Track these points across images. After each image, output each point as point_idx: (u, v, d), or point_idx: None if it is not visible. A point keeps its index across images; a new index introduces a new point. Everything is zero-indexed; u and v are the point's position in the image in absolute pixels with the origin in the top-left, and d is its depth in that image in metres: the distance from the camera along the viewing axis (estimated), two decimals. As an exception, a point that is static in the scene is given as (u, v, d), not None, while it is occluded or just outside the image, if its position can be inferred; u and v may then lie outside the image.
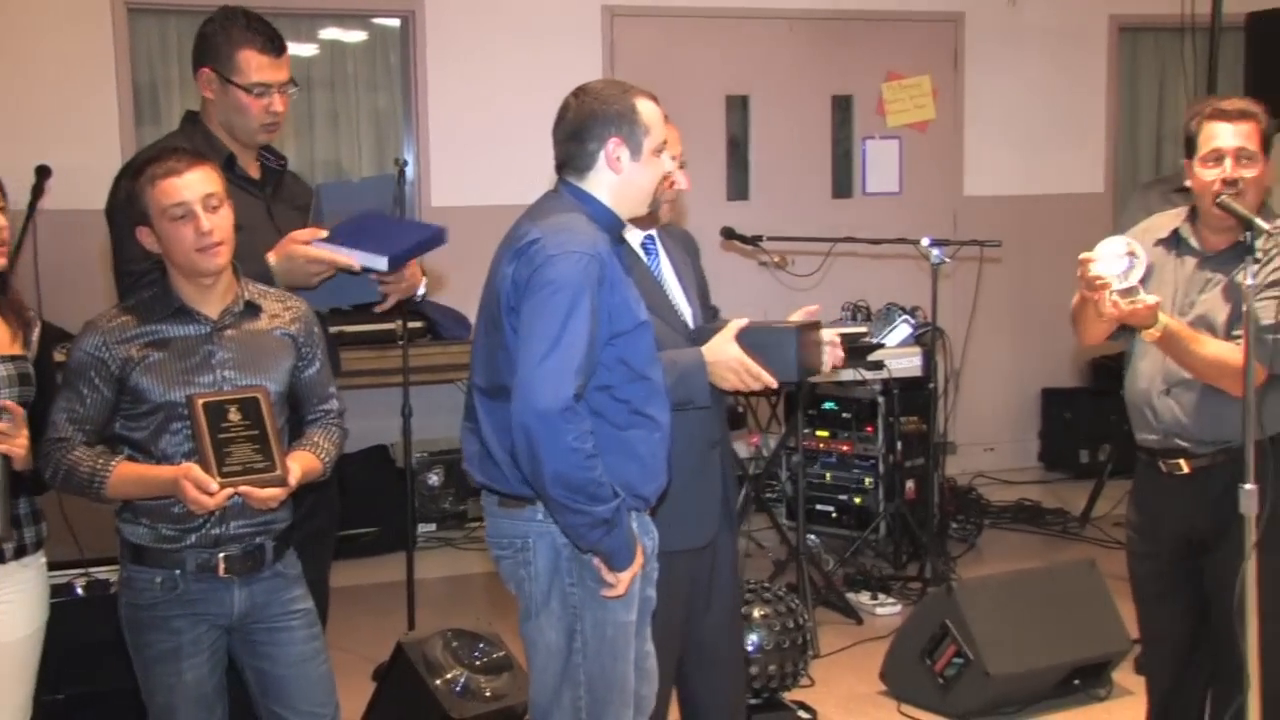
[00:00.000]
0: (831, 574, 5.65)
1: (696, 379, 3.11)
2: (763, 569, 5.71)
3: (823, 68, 7.37)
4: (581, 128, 2.85)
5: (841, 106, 7.49)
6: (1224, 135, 3.31)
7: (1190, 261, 3.40)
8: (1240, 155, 3.29)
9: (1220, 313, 3.32)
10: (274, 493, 2.87)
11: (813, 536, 5.93)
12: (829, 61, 7.37)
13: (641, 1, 7.06)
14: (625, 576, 2.79)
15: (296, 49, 6.83)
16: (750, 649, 4.24)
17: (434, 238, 3.42)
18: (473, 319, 6.19)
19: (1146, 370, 3.43)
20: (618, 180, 2.87)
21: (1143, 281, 3.24)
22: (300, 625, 3.05)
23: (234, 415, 2.84)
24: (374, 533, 6.23)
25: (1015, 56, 7.63)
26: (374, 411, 5.81)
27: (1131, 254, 3.22)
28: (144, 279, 3.06)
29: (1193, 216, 3.43)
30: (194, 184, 2.86)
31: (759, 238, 5.64)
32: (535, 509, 2.81)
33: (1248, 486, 3.18)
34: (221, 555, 2.91)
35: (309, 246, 3.24)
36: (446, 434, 6.84)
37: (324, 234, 3.28)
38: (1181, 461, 3.39)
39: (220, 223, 2.88)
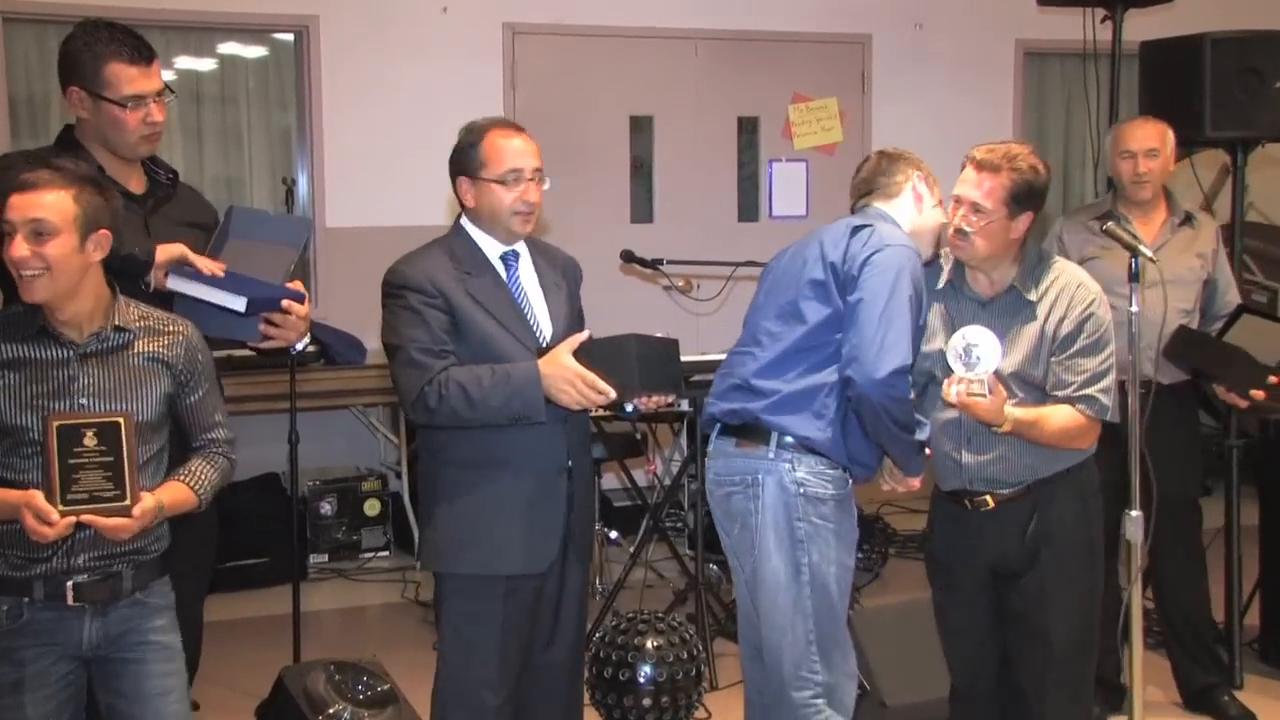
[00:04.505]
0: (732, 604, 5.55)
1: (531, 393, 3.04)
2: (663, 599, 5.60)
3: (728, 89, 7.33)
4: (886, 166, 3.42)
5: (747, 128, 7.45)
6: (966, 184, 3.33)
7: (969, 307, 3.41)
8: (972, 208, 3.30)
9: (1007, 367, 3.28)
10: (121, 523, 2.75)
11: (714, 566, 5.83)
12: (735, 82, 7.33)
13: (544, 19, 6.97)
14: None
15: (192, 63, 6.68)
16: (642, 681, 4.17)
17: (294, 296, 3.37)
18: (367, 342, 6.17)
19: (946, 423, 3.40)
20: (915, 215, 3.39)
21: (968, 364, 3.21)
22: (155, 659, 2.92)
23: (90, 440, 2.74)
24: (264, 563, 6.05)
25: (923, 80, 7.63)
26: (265, 438, 5.64)
27: (970, 352, 3.19)
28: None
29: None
30: (28, 205, 2.72)
31: (659, 261, 5.56)
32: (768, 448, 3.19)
33: (1134, 513, 3.20)
34: (70, 583, 2.80)
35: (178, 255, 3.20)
36: (341, 461, 6.69)
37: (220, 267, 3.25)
38: (988, 498, 3.39)
39: (52, 252, 2.74)
